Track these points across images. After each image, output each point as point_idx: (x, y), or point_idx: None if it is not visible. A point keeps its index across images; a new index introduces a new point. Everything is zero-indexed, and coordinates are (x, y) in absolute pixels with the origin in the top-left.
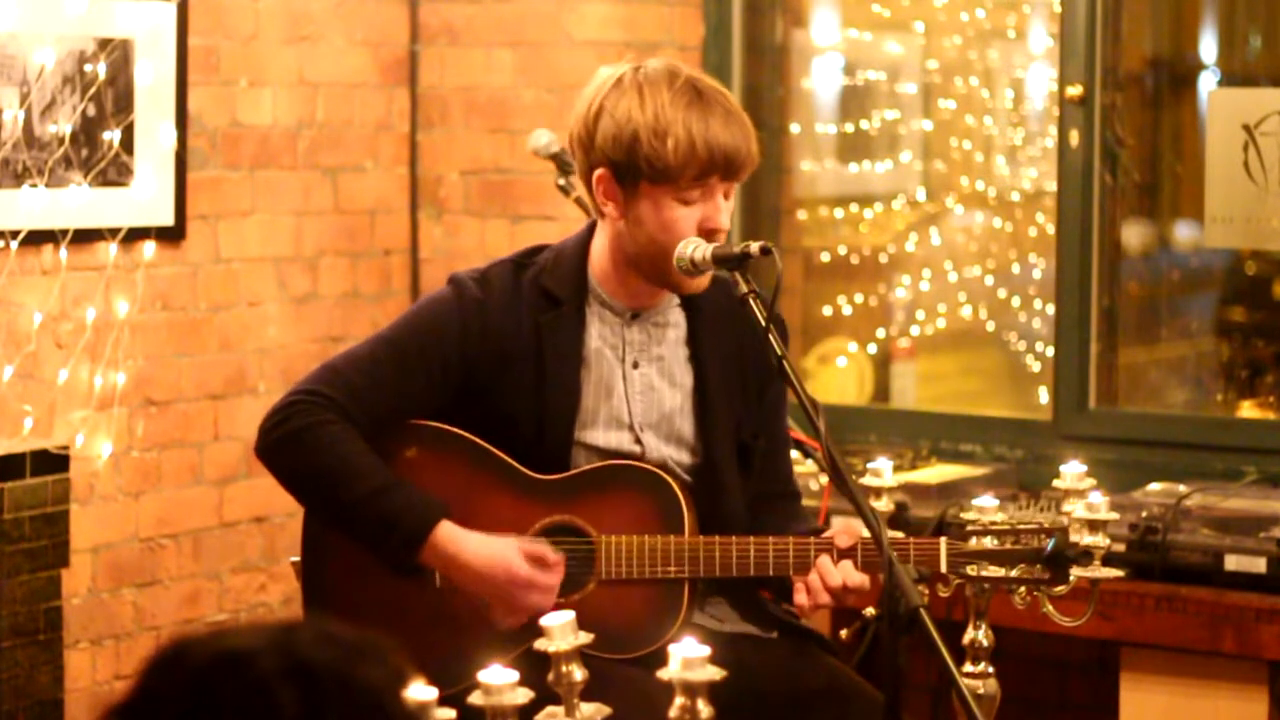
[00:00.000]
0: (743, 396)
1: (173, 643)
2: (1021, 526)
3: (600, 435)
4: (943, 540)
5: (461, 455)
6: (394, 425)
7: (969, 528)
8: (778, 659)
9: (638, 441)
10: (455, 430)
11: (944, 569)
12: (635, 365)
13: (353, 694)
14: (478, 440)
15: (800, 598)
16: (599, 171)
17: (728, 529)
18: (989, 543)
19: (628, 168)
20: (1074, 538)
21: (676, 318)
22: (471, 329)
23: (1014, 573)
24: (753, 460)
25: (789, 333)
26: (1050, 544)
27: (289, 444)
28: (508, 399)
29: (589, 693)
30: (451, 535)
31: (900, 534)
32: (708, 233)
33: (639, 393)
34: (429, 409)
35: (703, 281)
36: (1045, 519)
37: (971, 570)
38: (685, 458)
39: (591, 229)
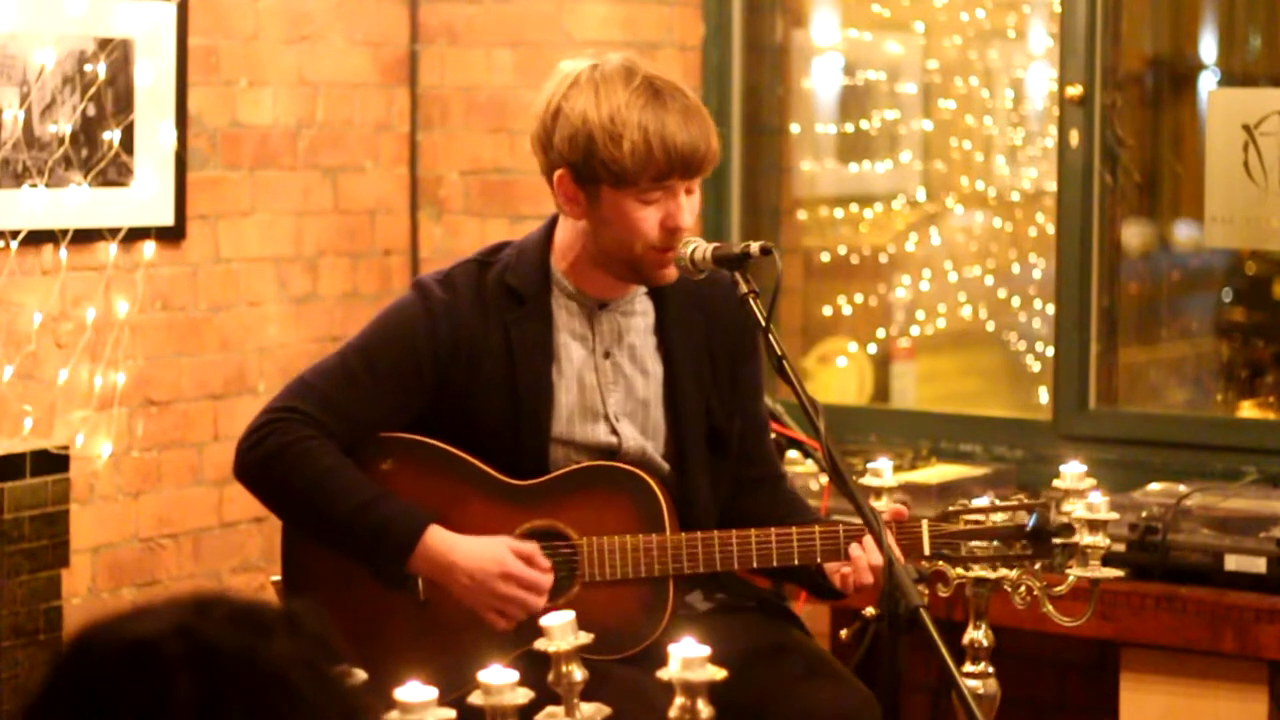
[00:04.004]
0: (713, 381)
1: (80, 632)
2: (1002, 504)
3: (577, 429)
4: (924, 522)
5: (438, 466)
6: (370, 435)
7: (950, 508)
8: (748, 623)
9: (614, 433)
10: (430, 441)
11: (927, 551)
12: (606, 355)
13: (256, 673)
14: (453, 450)
15: (838, 580)
16: (559, 172)
17: (698, 516)
18: (970, 523)
19: (586, 170)
20: (1075, 538)
21: (644, 306)
22: (440, 333)
23: (996, 550)
24: (729, 445)
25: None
26: (1032, 519)
27: (268, 464)
28: (481, 401)
29: (587, 692)
30: (441, 540)
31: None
32: (670, 231)
33: (612, 382)
34: (404, 417)
35: (672, 273)
36: (1026, 497)
37: (954, 551)
38: (662, 447)
39: (553, 222)
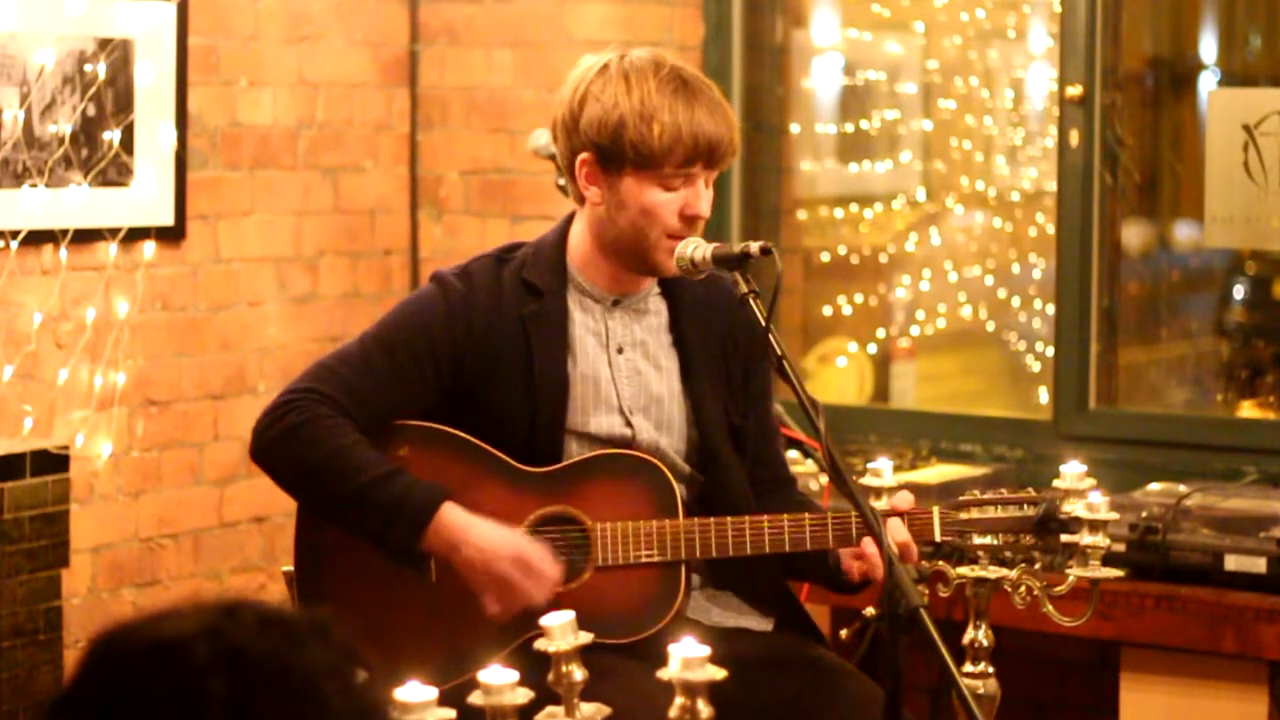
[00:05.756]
0: (727, 380)
1: (108, 631)
2: (1011, 496)
3: (591, 422)
4: (935, 509)
5: (452, 452)
6: (387, 422)
7: (961, 498)
8: (771, 651)
9: (628, 425)
10: (444, 428)
11: (937, 538)
12: (620, 350)
13: (287, 679)
14: (467, 436)
15: (856, 573)
16: (583, 156)
17: (736, 509)
18: (979, 512)
19: (612, 153)
20: (1076, 538)
21: (657, 305)
22: (458, 325)
23: (1005, 540)
24: (746, 444)
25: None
26: (1040, 510)
27: (285, 441)
28: (498, 393)
29: (589, 687)
30: (456, 517)
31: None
32: (689, 219)
33: (625, 377)
34: (422, 405)
35: (675, 264)
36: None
37: (963, 539)
38: (680, 444)
39: (569, 220)
